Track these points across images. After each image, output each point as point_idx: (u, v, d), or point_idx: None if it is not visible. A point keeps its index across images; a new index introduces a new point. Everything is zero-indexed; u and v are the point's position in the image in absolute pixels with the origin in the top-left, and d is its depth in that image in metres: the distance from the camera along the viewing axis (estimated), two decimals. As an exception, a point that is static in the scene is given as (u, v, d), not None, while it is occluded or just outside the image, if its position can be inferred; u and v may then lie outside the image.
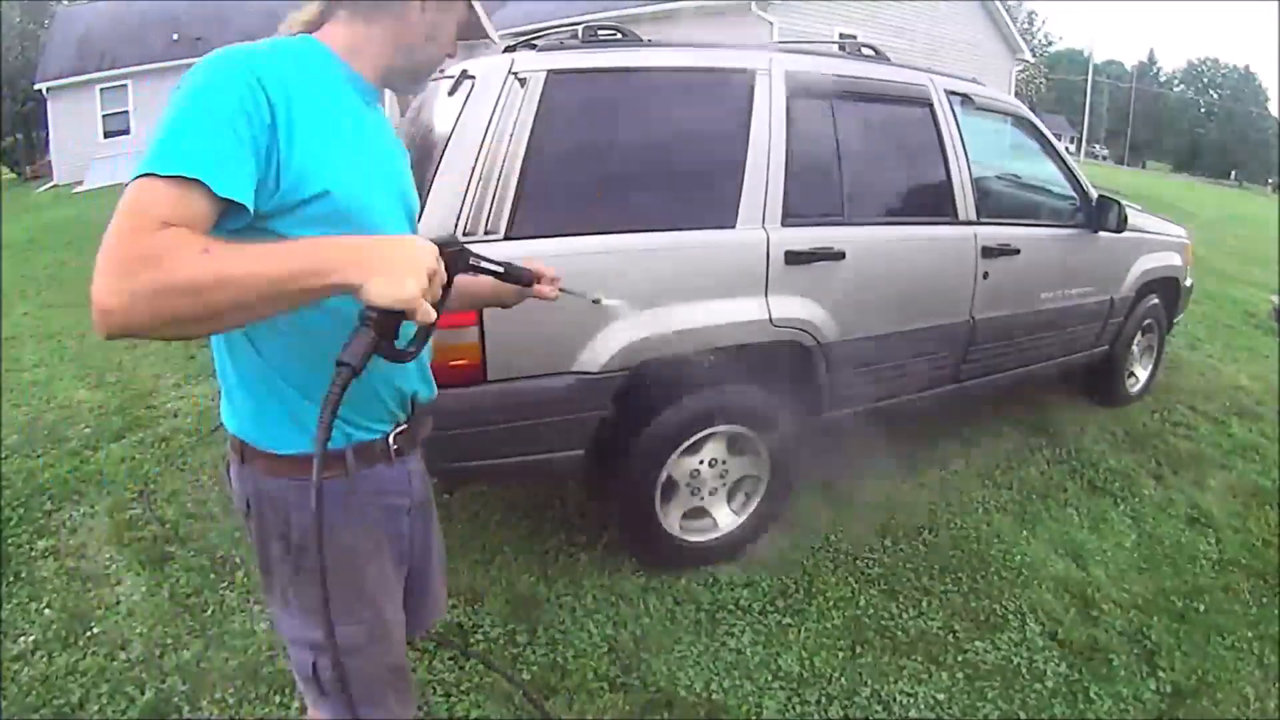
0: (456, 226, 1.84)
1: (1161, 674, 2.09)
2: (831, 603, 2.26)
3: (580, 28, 2.15)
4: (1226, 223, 14.23)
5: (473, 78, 1.98)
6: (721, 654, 2.04)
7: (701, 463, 2.29)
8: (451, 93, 2.01)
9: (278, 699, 1.82)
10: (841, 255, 2.33)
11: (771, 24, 11.33)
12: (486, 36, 1.09)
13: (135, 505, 2.67)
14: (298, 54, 0.91)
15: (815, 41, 3.15)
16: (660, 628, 2.12)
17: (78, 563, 2.36)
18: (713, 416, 2.23)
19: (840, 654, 2.07)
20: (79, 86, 16.90)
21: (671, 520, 2.30)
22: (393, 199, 1.01)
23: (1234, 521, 2.90)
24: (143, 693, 1.84)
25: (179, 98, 0.80)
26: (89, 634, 2.04)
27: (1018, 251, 2.82)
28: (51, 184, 16.91)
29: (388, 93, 1.11)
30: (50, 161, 17.82)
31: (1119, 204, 3.13)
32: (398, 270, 0.75)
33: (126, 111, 16.96)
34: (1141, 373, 3.93)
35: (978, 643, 2.14)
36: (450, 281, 0.88)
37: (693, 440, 2.22)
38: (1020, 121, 3.15)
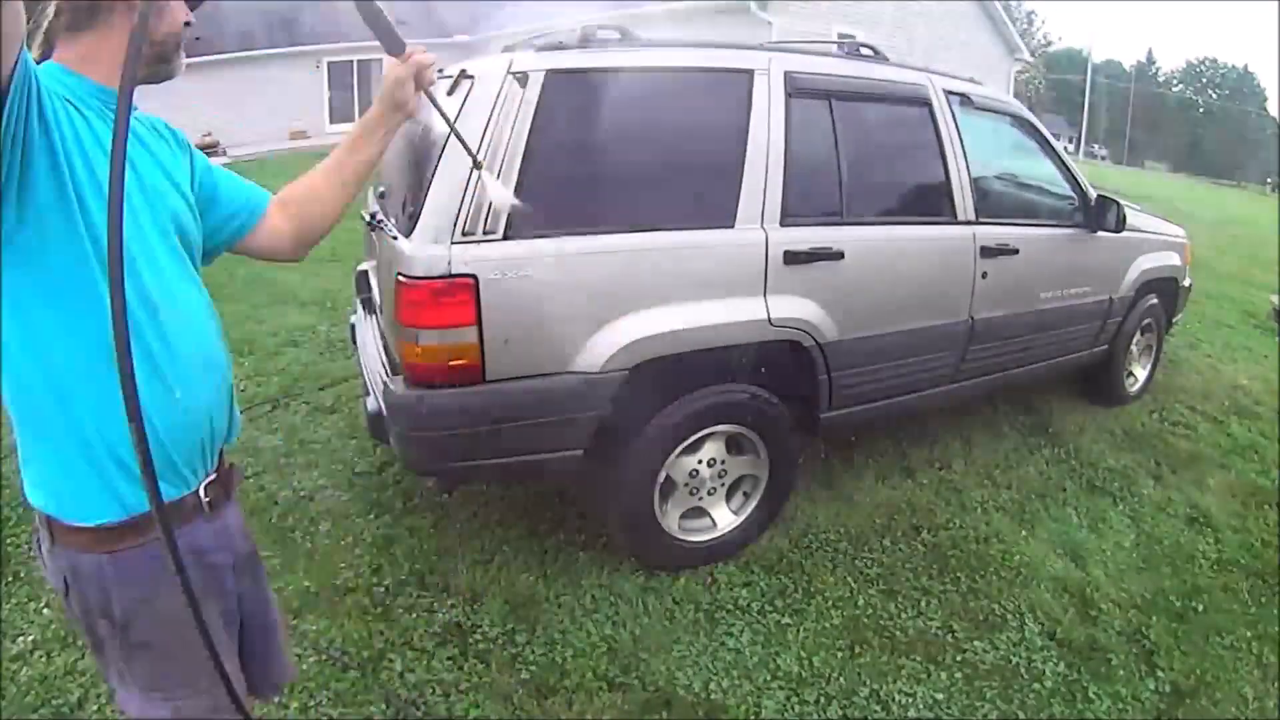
0: (455, 226, 1.84)
1: (1160, 674, 2.09)
2: (830, 602, 2.26)
3: (579, 27, 2.15)
4: (1225, 223, 14.23)
5: (472, 77, 1.98)
6: (720, 654, 2.04)
7: (700, 462, 2.29)
8: (450, 92, 2.00)
9: (276, 698, 1.82)
10: (840, 255, 2.33)
11: (771, 24, 11.33)
12: None
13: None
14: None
15: (814, 41, 3.15)
16: (659, 627, 2.12)
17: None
18: (711, 416, 2.23)
19: (839, 654, 2.07)
20: (78, 86, 16.85)
21: (670, 520, 2.30)
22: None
23: (1233, 521, 2.90)
24: (141, 693, 1.83)
25: None
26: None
27: (1017, 251, 2.82)
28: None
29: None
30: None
31: (1118, 204, 3.13)
32: None
33: (125, 111, 16.90)
34: (1140, 372, 3.93)
35: (976, 642, 2.15)
36: None
37: (691, 440, 2.23)
38: (1019, 121, 3.16)
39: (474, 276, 1.84)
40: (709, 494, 2.36)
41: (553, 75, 1.95)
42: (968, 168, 2.70)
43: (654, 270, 2.06)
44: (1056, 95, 50.20)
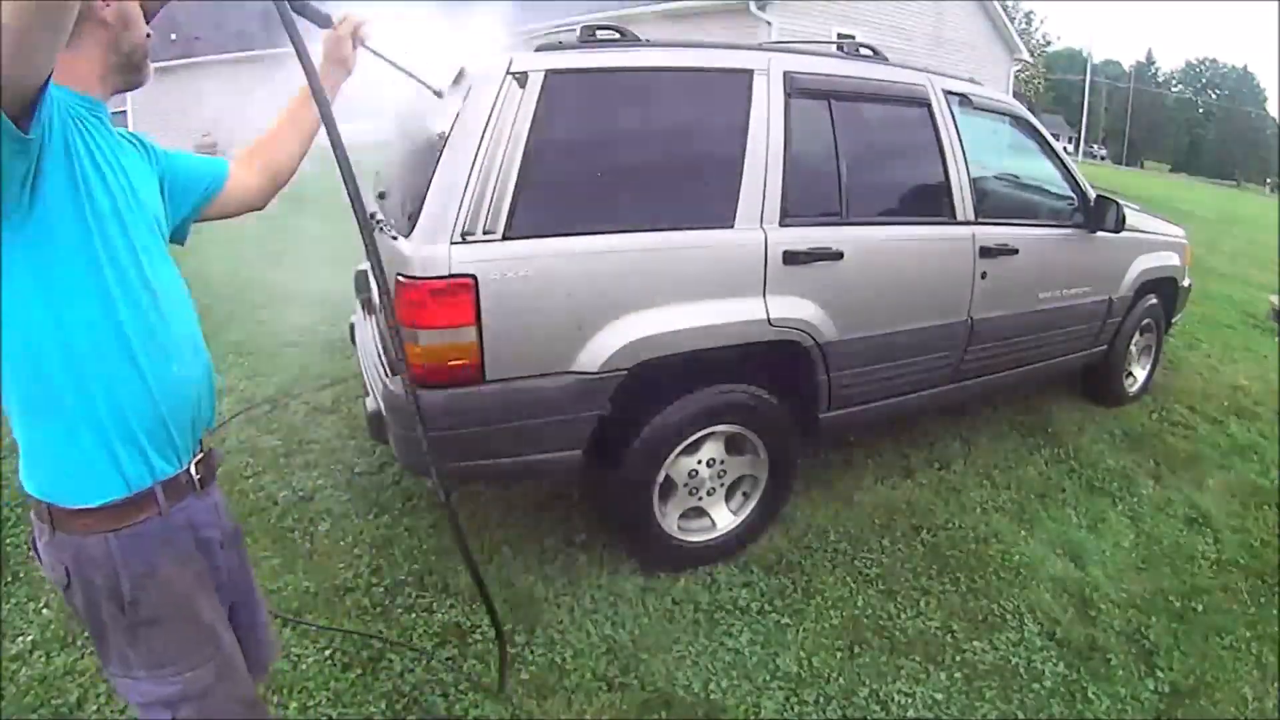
0: (455, 226, 1.84)
1: (1160, 674, 2.09)
2: (830, 603, 2.26)
3: (579, 27, 2.15)
4: (1225, 222, 14.25)
5: (471, 77, 1.98)
6: (720, 654, 2.04)
7: (700, 463, 2.29)
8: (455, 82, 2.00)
9: (275, 698, 1.82)
10: (840, 255, 2.33)
11: (770, 24, 11.33)
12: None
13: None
14: None
15: (813, 41, 3.15)
16: (658, 628, 2.12)
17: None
18: (711, 416, 2.23)
19: (838, 654, 2.07)
20: (78, 86, 16.87)
21: (670, 520, 2.30)
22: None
23: (1232, 521, 2.90)
24: (141, 693, 1.83)
25: None
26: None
27: (1016, 251, 2.82)
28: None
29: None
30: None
31: (1117, 204, 3.13)
32: None
33: (125, 111, 16.92)
34: (1140, 372, 3.93)
35: (976, 642, 2.15)
36: None
37: (691, 440, 2.23)
38: (1018, 121, 3.15)
39: (473, 277, 1.84)
40: (708, 494, 2.36)
41: (552, 75, 1.95)
42: (967, 168, 2.70)
43: (653, 270, 2.06)
44: (1056, 95, 50.22)
